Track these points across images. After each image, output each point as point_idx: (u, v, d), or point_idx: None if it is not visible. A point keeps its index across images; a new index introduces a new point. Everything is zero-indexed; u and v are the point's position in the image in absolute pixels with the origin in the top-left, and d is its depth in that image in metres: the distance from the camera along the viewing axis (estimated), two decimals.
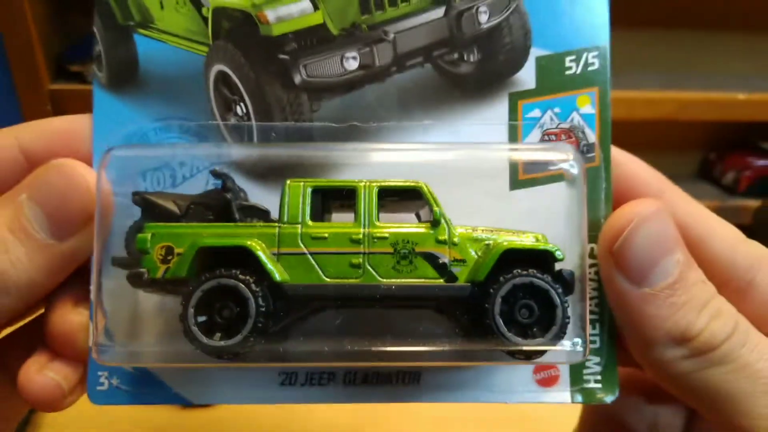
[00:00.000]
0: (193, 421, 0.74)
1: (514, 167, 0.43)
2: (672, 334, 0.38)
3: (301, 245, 0.39)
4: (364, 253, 0.39)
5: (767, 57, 2.09)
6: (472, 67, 0.46)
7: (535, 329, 0.38)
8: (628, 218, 0.39)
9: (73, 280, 0.40)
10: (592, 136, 0.44)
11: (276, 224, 0.39)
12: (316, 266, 0.38)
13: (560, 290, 0.39)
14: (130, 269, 0.38)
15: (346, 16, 0.44)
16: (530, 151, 0.43)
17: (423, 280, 0.39)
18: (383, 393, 0.42)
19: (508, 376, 0.42)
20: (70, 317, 0.39)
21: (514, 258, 0.38)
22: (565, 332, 0.39)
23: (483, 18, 0.45)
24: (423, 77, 0.45)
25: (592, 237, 0.41)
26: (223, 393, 0.42)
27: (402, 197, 0.41)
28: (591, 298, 0.42)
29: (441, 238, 0.39)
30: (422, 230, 0.40)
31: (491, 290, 0.38)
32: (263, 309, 0.38)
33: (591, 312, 0.42)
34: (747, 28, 2.10)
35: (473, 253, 0.39)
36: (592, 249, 0.42)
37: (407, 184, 0.41)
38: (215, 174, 0.42)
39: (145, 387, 0.42)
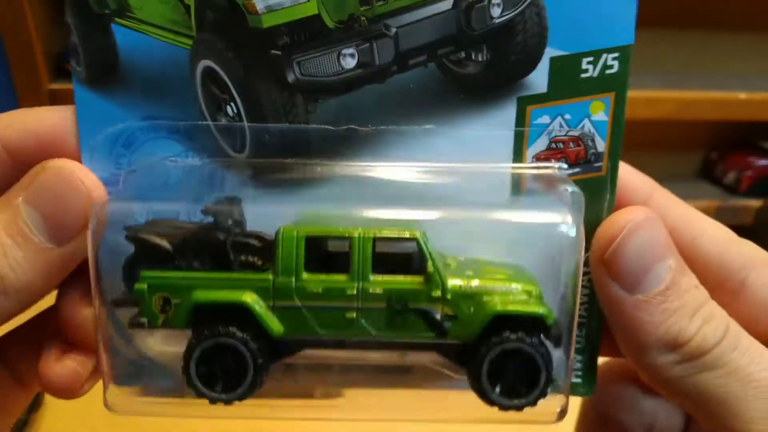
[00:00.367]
0: (193, 421, 0.73)
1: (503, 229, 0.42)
2: (664, 339, 0.38)
3: (296, 298, 0.39)
4: (358, 308, 0.39)
5: None
6: (480, 68, 0.42)
7: (518, 385, 0.39)
8: (619, 226, 0.39)
9: (80, 272, 0.40)
10: (601, 145, 0.42)
11: (270, 275, 0.39)
12: (311, 320, 0.39)
13: (546, 354, 0.39)
14: (128, 306, 0.39)
15: (343, 6, 0.40)
16: (522, 212, 0.42)
17: (415, 333, 0.39)
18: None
19: None
20: (80, 309, 0.40)
21: (504, 318, 0.39)
22: (546, 393, 0.39)
23: (496, 11, 0.41)
24: (426, 78, 0.41)
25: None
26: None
27: (398, 244, 0.40)
28: (581, 303, 0.42)
29: (435, 295, 0.39)
30: (416, 286, 0.39)
31: (480, 352, 0.39)
32: (260, 364, 0.39)
33: (579, 315, 0.42)
34: (748, 28, 2.10)
35: (465, 309, 0.39)
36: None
37: (404, 235, 0.39)
38: (206, 211, 0.41)
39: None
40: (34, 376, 0.44)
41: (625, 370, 0.52)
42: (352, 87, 0.41)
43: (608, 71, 0.41)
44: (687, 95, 1.91)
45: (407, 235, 0.39)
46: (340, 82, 0.41)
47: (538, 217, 0.40)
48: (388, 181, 0.43)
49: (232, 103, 0.42)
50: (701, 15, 2.02)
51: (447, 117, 0.42)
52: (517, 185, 0.43)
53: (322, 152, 0.42)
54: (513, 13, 0.41)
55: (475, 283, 0.39)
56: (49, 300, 0.42)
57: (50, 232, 0.37)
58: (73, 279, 0.40)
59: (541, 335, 0.39)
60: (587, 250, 0.40)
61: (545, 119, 0.42)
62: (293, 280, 0.39)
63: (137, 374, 0.42)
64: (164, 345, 0.41)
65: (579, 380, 0.44)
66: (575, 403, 0.55)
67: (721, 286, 0.42)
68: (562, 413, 0.40)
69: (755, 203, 2.09)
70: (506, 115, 0.42)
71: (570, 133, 0.42)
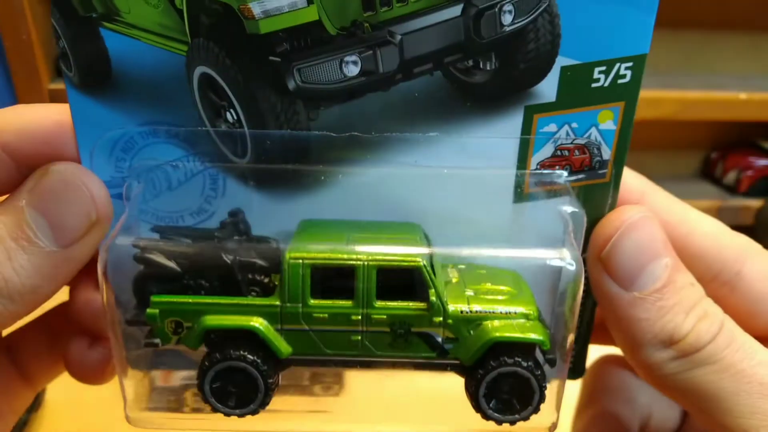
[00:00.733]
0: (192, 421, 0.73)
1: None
2: (660, 336, 0.38)
3: (303, 323, 0.40)
4: (362, 332, 0.40)
5: None
6: (488, 76, 0.40)
7: (513, 402, 0.41)
8: (616, 225, 0.39)
9: (91, 262, 0.40)
10: (607, 153, 0.42)
11: (278, 301, 0.40)
12: (318, 341, 0.40)
13: (541, 375, 0.40)
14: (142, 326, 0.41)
15: (345, 12, 0.38)
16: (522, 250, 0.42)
17: (417, 354, 0.41)
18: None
19: None
20: (95, 298, 0.41)
21: (502, 344, 0.40)
22: (539, 409, 0.41)
23: (507, 19, 0.39)
24: (431, 86, 0.40)
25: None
26: None
27: (401, 273, 0.40)
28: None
29: (436, 320, 0.40)
30: (418, 311, 0.40)
31: (478, 374, 0.40)
32: (270, 384, 0.41)
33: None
34: (748, 28, 2.09)
35: (465, 332, 0.40)
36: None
37: (408, 264, 0.40)
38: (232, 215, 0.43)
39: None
40: (40, 371, 0.47)
41: (622, 364, 0.52)
42: (354, 95, 0.39)
43: (620, 81, 0.39)
44: (687, 95, 1.91)
45: (411, 263, 0.40)
46: (342, 89, 0.39)
47: (537, 254, 0.41)
48: (389, 187, 0.42)
49: (231, 110, 0.40)
50: (701, 15, 2.01)
51: (452, 125, 0.40)
52: (520, 194, 0.43)
53: (323, 159, 0.41)
54: (525, 21, 0.39)
55: (475, 307, 0.40)
56: (60, 296, 0.42)
57: (54, 236, 0.37)
58: (84, 270, 0.40)
59: (537, 358, 0.41)
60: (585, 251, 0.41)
61: (552, 127, 0.41)
62: (300, 306, 0.40)
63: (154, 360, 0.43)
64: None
65: (570, 365, 0.44)
66: (573, 400, 0.56)
67: (717, 279, 0.43)
68: (553, 427, 0.42)
69: (755, 203, 2.09)
70: (513, 123, 0.40)
71: (576, 142, 0.41)
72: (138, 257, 0.40)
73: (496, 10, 0.39)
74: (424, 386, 0.44)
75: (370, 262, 0.39)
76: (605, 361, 0.55)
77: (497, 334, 0.39)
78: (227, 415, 0.41)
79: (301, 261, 0.39)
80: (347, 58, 0.38)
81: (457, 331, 0.40)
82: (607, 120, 0.41)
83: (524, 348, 0.40)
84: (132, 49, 0.39)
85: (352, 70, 0.39)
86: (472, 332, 0.40)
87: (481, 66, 0.40)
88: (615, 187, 0.42)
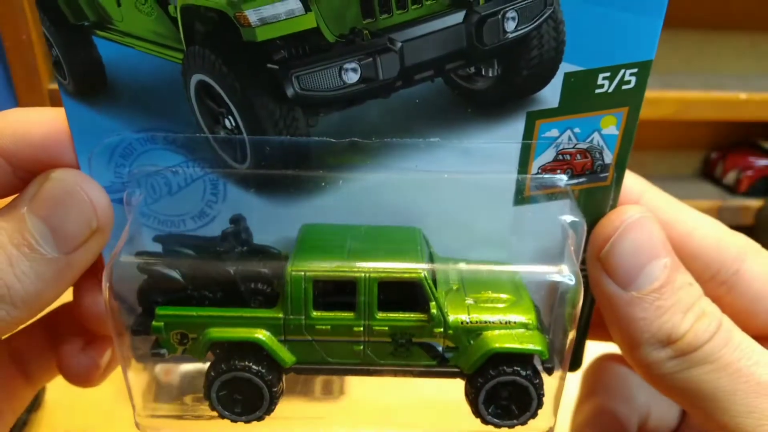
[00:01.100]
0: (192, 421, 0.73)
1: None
2: (658, 336, 0.38)
3: (306, 334, 0.41)
4: (364, 342, 0.40)
5: None
6: (490, 83, 0.40)
7: (511, 407, 0.42)
8: (615, 224, 0.40)
9: (94, 263, 0.40)
10: (609, 157, 0.41)
11: (281, 313, 0.41)
12: (320, 351, 0.41)
13: (539, 383, 0.41)
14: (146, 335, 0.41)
15: (344, 20, 0.37)
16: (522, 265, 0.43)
17: (417, 362, 0.41)
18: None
19: None
20: (99, 300, 0.41)
21: (501, 354, 0.40)
22: (536, 415, 0.41)
23: (510, 26, 0.38)
24: (432, 92, 0.39)
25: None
26: None
27: (402, 286, 0.41)
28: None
29: (437, 331, 0.40)
30: (419, 322, 0.40)
31: (478, 383, 0.41)
32: (275, 392, 0.41)
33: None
34: (748, 28, 2.09)
35: (465, 341, 0.41)
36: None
37: (408, 277, 0.40)
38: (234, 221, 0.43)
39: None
40: (39, 370, 0.47)
41: (621, 362, 0.53)
42: (354, 102, 0.39)
43: (624, 87, 0.39)
44: (687, 95, 1.91)
45: (412, 276, 0.40)
46: (341, 96, 0.38)
47: (537, 269, 0.41)
48: (389, 192, 0.42)
49: (229, 116, 0.40)
50: (701, 15, 2.01)
51: (453, 131, 0.40)
52: (521, 199, 0.43)
53: (323, 164, 0.41)
54: (529, 28, 0.38)
55: (475, 317, 0.41)
56: (61, 296, 0.41)
57: (56, 242, 0.37)
58: (88, 272, 0.40)
59: (535, 366, 0.41)
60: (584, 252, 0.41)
61: (554, 132, 0.41)
62: (303, 318, 0.40)
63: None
64: None
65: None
66: (572, 399, 0.56)
67: (716, 278, 0.43)
68: (550, 431, 0.43)
69: (755, 203, 2.09)
70: (514, 129, 0.40)
71: (578, 146, 0.41)
72: (142, 268, 0.41)
73: (500, 17, 0.38)
74: (425, 392, 0.44)
75: (372, 275, 0.40)
76: (604, 358, 0.56)
77: (497, 345, 0.40)
78: (234, 421, 0.42)
79: (303, 274, 0.40)
80: (347, 66, 0.38)
81: (458, 340, 0.40)
82: (610, 125, 0.40)
83: (523, 358, 0.41)
84: (126, 57, 0.38)
85: (352, 78, 0.38)
86: (472, 342, 0.41)
87: (483, 73, 0.39)
88: (616, 190, 0.42)
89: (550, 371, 0.41)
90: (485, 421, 0.42)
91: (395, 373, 0.42)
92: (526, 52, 0.39)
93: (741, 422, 0.37)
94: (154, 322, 0.40)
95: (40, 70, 1.56)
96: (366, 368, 0.41)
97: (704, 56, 2.09)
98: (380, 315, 0.40)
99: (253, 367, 0.41)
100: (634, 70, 0.38)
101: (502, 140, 0.40)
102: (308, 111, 0.39)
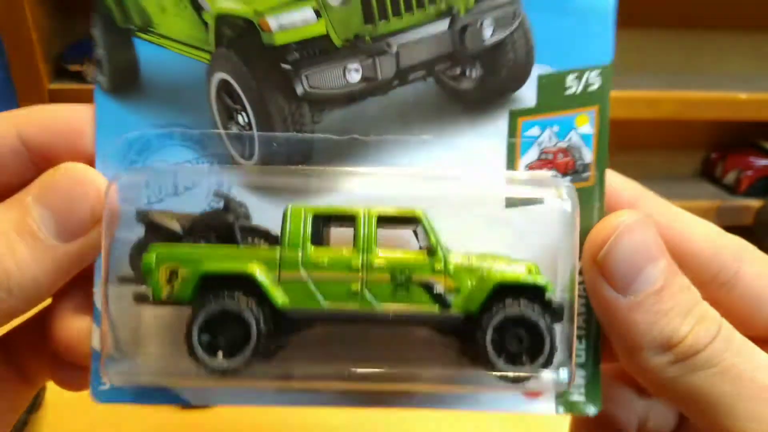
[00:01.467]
0: (192, 421, 0.75)
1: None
2: (657, 340, 0.38)
3: (302, 270, 0.40)
4: (362, 280, 0.40)
5: None
6: (474, 83, 0.46)
7: (524, 356, 0.40)
8: (611, 228, 0.39)
9: (72, 285, 0.41)
10: (588, 156, 0.44)
11: (277, 248, 0.40)
12: (316, 292, 0.39)
13: (549, 321, 0.40)
14: (135, 285, 0.40)
15: (349, 26, 0.43)
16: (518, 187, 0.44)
17: (418, 306, 0.40)
18: (377, 399, 0.44)
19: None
20: (73, 323, 0.40)
21: (506, 288, 0.40)
22: (552, 361, 0.40)
23: (487, 33, 0.45)
24: (425, 91, 0.45)
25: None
26: (221, 394, 0.44)
27: (401, 222, 0.42)
28: (579, 314, 0.43)
29: (437, 267, 0.40)
30: (419, 259, 0.41)
31: (483, 321, 0.39)
32: (264, 331, 0.39)
33: (578, 327, 0.43)
34: (748, 28, 2.09)
35: (467, 282, 0.40)
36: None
37: (406, 212, 0.41)
38: (218, 194, 0.43)
39: (146, 387, 0.43)
40: (38, 371, 0.46)
41: (618, 367, 0.52)
42: (356, 99, 0.44)
43: (590, 88, 0.44)
44: (687, 95, 1.90)
45: (410, 213, 0.41)
46: (345, 94, 0.44)
47: (532, 193, 0.42)
48: (383, 190, 0.44)
49: (243, 113, 0.45)
50: (701, 15, 2.01)
51: (444, 128, 0.45)
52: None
53: (325, 159, 0.44)
54: (503, 35, 0.45)
55: (476, 261, 0.40)
56: None
57: (58, 230, 0.38)
58: (65, 291, 0.41)
59: (543, 302, 0.40)
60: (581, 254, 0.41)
61: (535, 131, 0.45)
62: (300, 252, 0.40)
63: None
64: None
65: (582, 398, 0.44)
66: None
67: (715, 281, 0.42)
68: (570, 382, 0.41)
69: (755, 203, 2.08)
70: (499, 126, 0.45)
71: (558, 145, 0.45)
72: (140, 215, 0.40)
73: (478, 25, 0.45)
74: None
75: (371, 211, 0.41)
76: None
77: (500, 278, 0.39)
78: (214, 370, 0.38)
79: (302, 209, 0.40)
80: (350, 66, 0.44)
81: (459, 280, 0.39)
82: (584, 124, 0.44)
83: (530, 293, 0.40)
84: (160, 57, 0.44)
85: (354, 77, 0.44)
86: (474, 282, 0.39)
87: (467, 74, 0.45)
88: (600, 190, 0.44)
89: (559, 317, 0.40)
90: (495, 368, 0.39)
91: (395, 323, 0.39)
92: (502, 56, 0.45)
93: (744, 427, 0.37)
94: (145, 255, 0.39)
95: (40, 70, 1.56)
96: (365, 314, 0.39)
97: (704, 56, 2.09)
98: (379, 251, 0.40)
99: (243, 299, 0.39)
100: (597, 72, 0.44)
101: (487, 136, 0.44)
102: (314, 107, 0.44)
